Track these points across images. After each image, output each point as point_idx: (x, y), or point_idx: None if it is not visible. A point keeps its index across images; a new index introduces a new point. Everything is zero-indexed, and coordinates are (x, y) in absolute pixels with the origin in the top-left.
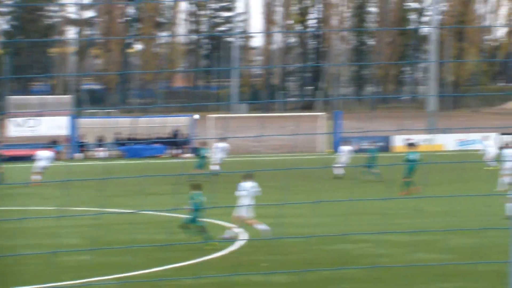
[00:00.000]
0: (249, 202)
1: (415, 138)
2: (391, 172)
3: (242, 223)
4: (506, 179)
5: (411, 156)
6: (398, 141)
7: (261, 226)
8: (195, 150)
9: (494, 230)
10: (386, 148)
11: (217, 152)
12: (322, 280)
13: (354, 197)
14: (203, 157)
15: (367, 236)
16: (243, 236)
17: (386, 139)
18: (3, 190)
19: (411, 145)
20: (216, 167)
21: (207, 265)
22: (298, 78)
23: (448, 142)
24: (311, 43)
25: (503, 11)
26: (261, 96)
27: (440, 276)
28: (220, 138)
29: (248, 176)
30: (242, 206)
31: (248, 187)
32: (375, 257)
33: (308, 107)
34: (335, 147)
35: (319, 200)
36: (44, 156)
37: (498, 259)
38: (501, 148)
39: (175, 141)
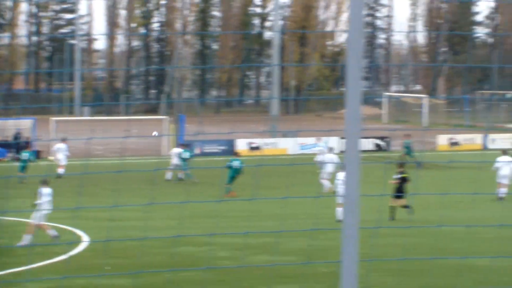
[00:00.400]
0: (47, 208)
1: (258, 141)
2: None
3: (34, 229)
4: (325, 183)
5: (235, 163)
6: (242, 145)
7: (52, 232)
8: (19, 153)
9: (330, 232)
10: (230, 152)
11: (57, 153)
12: (165, 283)
13: (194, 200)
14: (25, 160)
15: (208, 239)
16: (85, 239)
17: (230, 143)
18: None
19: (254, 148)
20: (61, 170)
21: (49, 269)
22: (142, 81)
23: (290, 145)
24: (155, 47)
25: (345, 17)
26: (105, 99)
27: (280, 277)
28: (61, 139)
29: (45, 182)
30: (40, 212)
31: (46, 193)
32: (217, 259)
33: (152, 110)
34: None
35: (154, 202)
36: None
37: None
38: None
39: (15, 144)
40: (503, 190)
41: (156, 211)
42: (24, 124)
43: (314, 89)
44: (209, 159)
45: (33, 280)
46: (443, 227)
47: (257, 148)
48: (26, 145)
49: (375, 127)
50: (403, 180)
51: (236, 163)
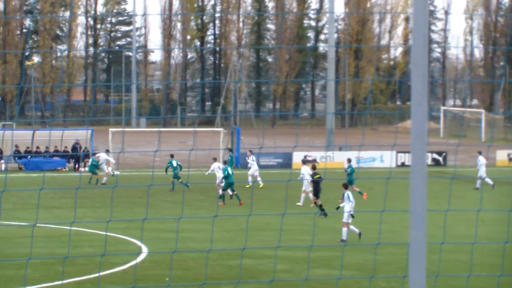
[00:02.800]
0: None
1: (314, 155)
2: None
3: None
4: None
5: (229, 170)
6: (298, 158)
7: None
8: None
9: (390, 247)
10: (286, 165)
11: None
12: None
13: (254, 212)
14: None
15: (266, 252)
16: (144, 250)
17: (287, 156)
18: None
19: (311, 161)
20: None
21: (109, 279)
22: (197, 93)
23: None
24: (210, 59)
25: (399, 30)
26: (161, 110)
27: None
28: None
29: None
30: None
31: None
32: (276, 272)
33: (207, 122)
34: (236, 162)
35: (218, 215)
36: None
37: (396, 275)
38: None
39: (74, 154)
40: None
41: (219, 224)
42: (82, 135)
43: (369, 103)
44: (265, 172)
45: None
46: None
47: (315, 161)
48: (86, 156)
49: (433, 141)
50: (317, 180)
51: (229, 170)
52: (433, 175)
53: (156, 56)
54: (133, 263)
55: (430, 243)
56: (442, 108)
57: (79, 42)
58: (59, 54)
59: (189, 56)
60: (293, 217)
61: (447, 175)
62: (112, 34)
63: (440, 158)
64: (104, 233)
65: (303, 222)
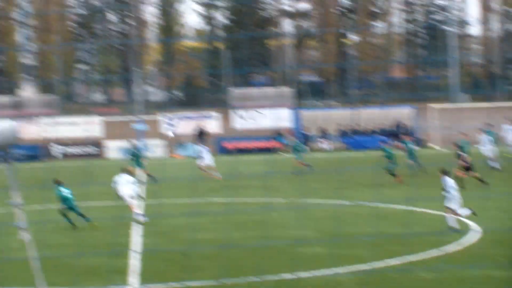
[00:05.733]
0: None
1: None
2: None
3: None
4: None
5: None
6: None
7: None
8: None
9: None
10: None
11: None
12: None
13: None
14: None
15: None
16: (473, 228)
17: None
18: (229, 182)
19: None
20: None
21: (443, 259)
22: None
23: None
24: None
25: None
26: (482, 85)
27: None
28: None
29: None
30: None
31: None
32: None
33: None
34: None
35: None
36: None
37: None
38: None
39: (398, 133)
40: None
41: None
42: (403, 112)
43: None
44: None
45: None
46: None
47: None
48: (406, 133)
49: None
50: None
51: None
52: None
53: (474, 29)
54: (470, 241)
55: None
56: None
57: (396, 19)
58: (376, 31)
59: (509, 27)
60: None
61: None
62: (429, 8)
63: None
64: (435, 212)
65: None
